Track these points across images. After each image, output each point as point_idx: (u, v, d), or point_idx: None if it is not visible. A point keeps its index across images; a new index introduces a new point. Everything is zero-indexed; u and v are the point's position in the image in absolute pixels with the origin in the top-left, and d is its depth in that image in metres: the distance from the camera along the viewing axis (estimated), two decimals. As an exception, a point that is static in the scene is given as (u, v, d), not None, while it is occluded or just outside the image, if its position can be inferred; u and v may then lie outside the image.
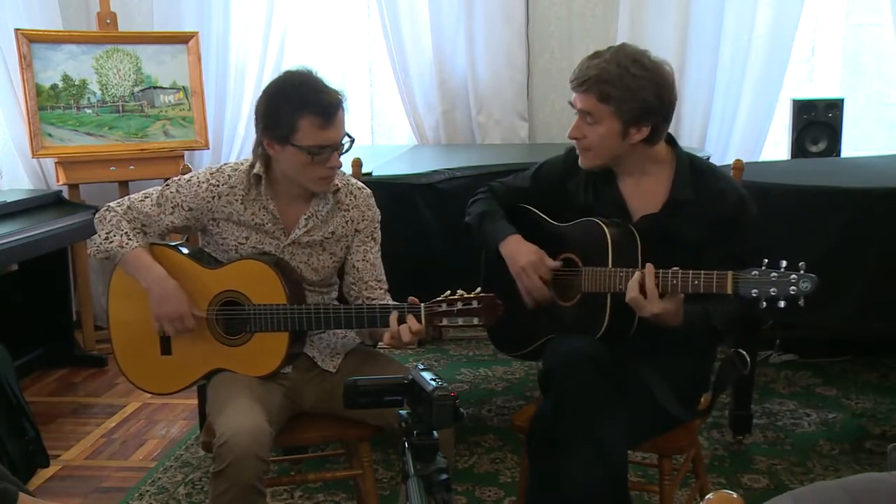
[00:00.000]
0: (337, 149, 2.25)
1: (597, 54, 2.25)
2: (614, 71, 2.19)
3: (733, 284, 2.03)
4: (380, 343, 2.31)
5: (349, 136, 2.27)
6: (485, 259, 2.61)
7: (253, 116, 2.32)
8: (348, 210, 2.40)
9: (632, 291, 2.10)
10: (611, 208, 2.34)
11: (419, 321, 2.18)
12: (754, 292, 2.01)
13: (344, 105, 2.26)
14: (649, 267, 2.11)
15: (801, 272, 1.98)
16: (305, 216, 2.35)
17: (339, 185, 2.38)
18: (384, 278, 2.44)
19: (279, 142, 2.23)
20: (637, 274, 2.12)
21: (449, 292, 2.18)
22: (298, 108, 2.18)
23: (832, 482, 1.28)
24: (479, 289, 2.18)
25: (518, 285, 2.40)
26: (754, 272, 2.02)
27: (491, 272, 2.54)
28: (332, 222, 2.38)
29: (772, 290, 1.99)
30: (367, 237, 2.42)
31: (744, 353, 2.23)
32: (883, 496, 1.23)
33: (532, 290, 2.38)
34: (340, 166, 2.30)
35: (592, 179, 2.38)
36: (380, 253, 2.45)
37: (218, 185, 2.33)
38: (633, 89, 2.19)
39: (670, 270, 2.09)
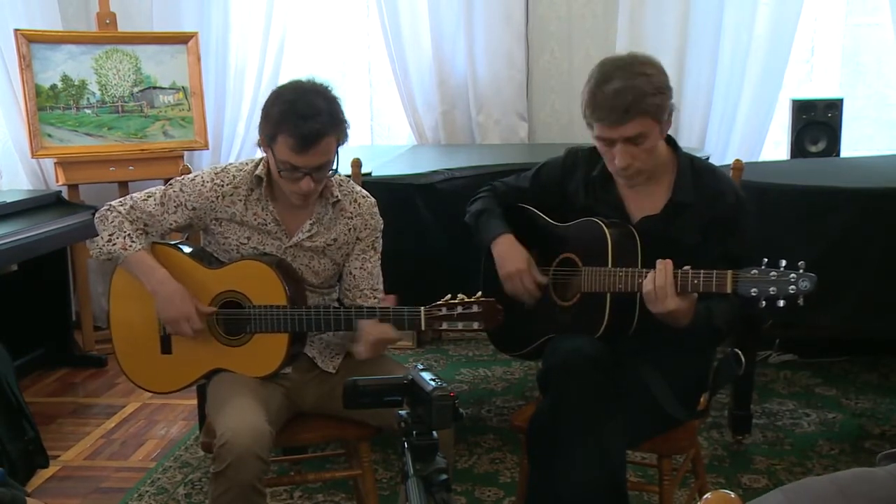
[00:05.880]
0: (310, 174, 2.21)
1: (605, 80, 2.14)
2: (641, 83, 2.13)
3: (733, 283, 2.03)
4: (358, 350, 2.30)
5: (334, 166, 2.24)
6: (485, 257, 2.61)
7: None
8: (351, 218, 2.39)
9: (652, 284, 2.09)
10: (609, 210, 2.34)
11: (419, 326, 2.17)
12: (753, 291, 2.01)
13: (342, 134, 2.22)
14: (668, 262, 2.10)
15: (801, 271, 1.98)
16: (310, 221, 2.35)
17: (339, 198, 2.37)
18: (380, 287, 2.43)
19: (266, 142, 2.24)
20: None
21: (449, 296, 2.17)
22: (279, 123, 2.18)
23: (822, 477, 1.29)
24: (479, 293, 2.18)
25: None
26: (754, 271, 2.02)
27: (491, 271, 2.54)
28: (335, 229, 2.38)
29: (771, 289, 1.99)
30: (368, 246, 2.41)
31: (739, 352, 2.23)
32: (871, 486, 1.24)
33: (518, 296, 2.38)
34: (313, 191, 2.25)
35: (591, 181, 2.38)
36: (379, 262, 2.44)
37: (222, 185, 2.33)
38: (659, 87, 2.17)
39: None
